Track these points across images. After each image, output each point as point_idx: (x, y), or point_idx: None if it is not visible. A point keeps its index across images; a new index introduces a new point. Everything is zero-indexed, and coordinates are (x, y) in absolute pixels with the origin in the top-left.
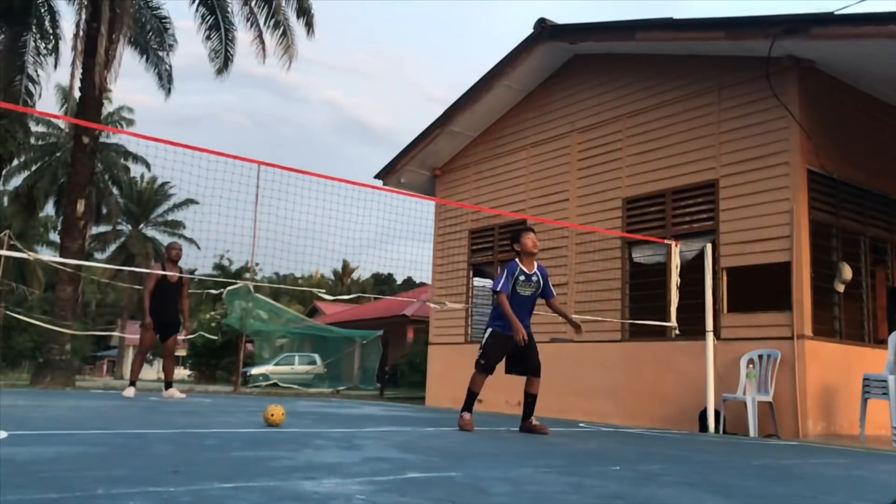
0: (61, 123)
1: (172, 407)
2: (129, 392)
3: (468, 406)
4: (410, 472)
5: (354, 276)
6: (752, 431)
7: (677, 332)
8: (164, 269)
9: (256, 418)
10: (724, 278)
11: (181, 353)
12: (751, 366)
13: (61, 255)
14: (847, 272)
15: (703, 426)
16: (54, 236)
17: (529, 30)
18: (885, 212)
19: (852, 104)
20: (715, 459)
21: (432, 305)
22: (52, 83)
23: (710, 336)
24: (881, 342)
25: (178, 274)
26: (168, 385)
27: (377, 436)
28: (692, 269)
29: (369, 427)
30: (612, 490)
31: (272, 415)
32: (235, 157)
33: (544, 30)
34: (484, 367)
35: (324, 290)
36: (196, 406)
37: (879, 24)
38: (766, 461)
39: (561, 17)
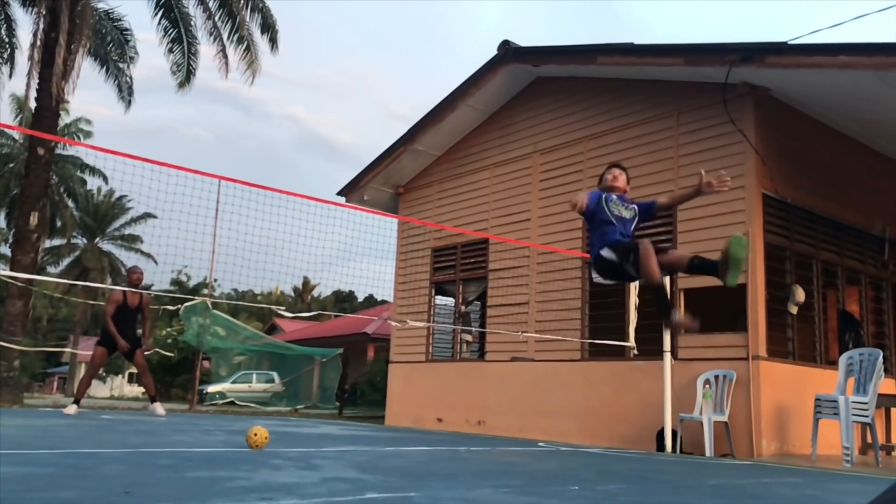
0: (15, 134)
1: (125, 426)
2: (71, 409)
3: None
4: (369, 492)
5: (315, 293)
6: (708, 451)
7: (635, 351)
8: (124, 294)
9: (212, 437)
10: (682, 300)
11: (134, 370)
12: (707, 386)
13: (11, 269)
14: (800, 294)
15: (661, 446)
16: (5, 249)
17: (493, 51)
18: (836, 236)
19: (805, 131)
20: (671, 479)
21: (393, 323)
22: (6, 92)
23: (667, 356)
24: (832, 363)
25: (137, 298)
26: (153, 399)
27: (335, 455)
28: (650, 289)
29: (328, 446)
30: None
31: (255, 434)
32: (195, 172)
33: (508, 52)
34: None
35: (283, 308)
36: (150, 424)
37: (830, 54)
38: (721, 481)
39: (524, 36)
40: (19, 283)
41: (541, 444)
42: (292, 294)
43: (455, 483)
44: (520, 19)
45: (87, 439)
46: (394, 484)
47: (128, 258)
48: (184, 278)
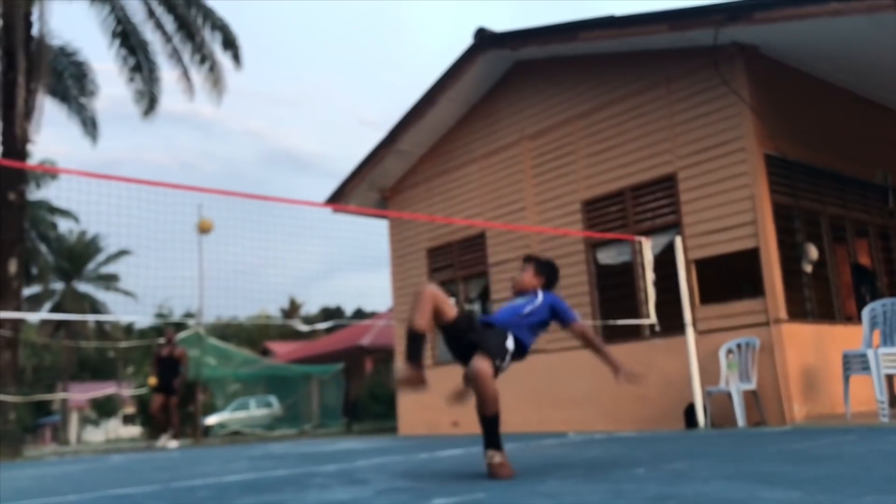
0: None
1: (140, 464)
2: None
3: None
4: (435, 498)
5: (302, 312)
6: (741, 422)
7: (658, 328)
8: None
9: (237, 465)
10: (694, 270)
11: (128, 412)
12: (731, 356)
13: None
14: (813, 252)
15: (690, 422)
16: None
17: (466, 41)
18: (840, 189)
19: (798, 85)
20: (729, 452)
21: (397, 326)
22: None
23: (689, 329)
24: (850, 318)
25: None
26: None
27: (374, 468)
28: (657, 265)
29: (359, 460)
30: (655, 491)
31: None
32: (173, 186)
33: (484, 39)
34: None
35: (299, 319)
36: (166, 460)
37: (820, 2)
38: (779, 447)
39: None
40: (6, 335)
41: (570, 434)
42: (280, 316)
43: (514, 480)
44: (490, 12)
45: (111, 481)
46: (454, 488)
47: (107, 298)
48: (166, 311)
